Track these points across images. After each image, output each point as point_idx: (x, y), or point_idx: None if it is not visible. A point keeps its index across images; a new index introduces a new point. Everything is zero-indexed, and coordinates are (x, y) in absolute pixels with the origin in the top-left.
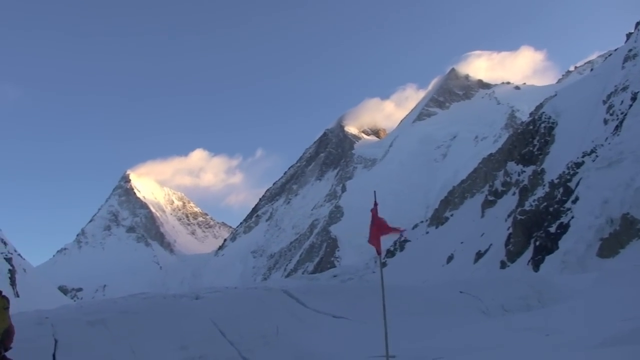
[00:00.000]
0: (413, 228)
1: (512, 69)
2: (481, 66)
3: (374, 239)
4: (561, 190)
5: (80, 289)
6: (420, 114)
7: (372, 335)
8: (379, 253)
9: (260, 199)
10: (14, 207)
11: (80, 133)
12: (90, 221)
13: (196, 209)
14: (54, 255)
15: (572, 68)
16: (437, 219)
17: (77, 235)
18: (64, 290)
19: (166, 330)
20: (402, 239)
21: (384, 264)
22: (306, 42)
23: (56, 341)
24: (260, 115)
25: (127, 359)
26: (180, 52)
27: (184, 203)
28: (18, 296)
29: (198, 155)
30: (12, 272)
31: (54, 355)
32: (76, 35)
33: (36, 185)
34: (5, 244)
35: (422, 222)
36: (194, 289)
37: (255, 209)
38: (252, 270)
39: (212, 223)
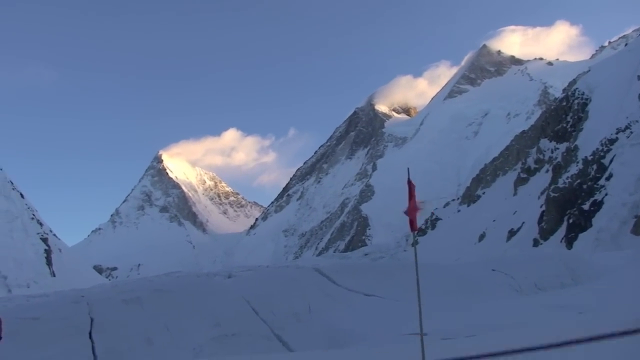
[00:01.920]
0: (444, 206)
1: (546, 44)
2: (515, 42)
3: (411, 213)
4: (595, 167)
5: (115, 268)
6: (452, 91)
7: (404, 313)
8: (414, 230)
9: (290, 178)
10: (49, 188)
11: (114, 113)
12: (124, 201)
13: (228, 189)
14: (88, 235)
15: (606, 43)
16: (469, 197)
17: (111, 215)
18: (99, 269)
19: (200, 308)
20: (434, 217)
21: (415, 242)
22: (338, 18)
23: (92, 319)
24: (292, 94)
25: (162, 337)
26: (214, 30)
27: (215, 183)
28: (54, 275)
29: (231, 135)
30: (48, 252)
31: (90, 333)
32: (108, 15)
33: (71, 166)
34: (41, 224)
35: (453, 200)
36: (226, 268)
37: (286, 189)
38: (284, 249)
39: (243, 202)
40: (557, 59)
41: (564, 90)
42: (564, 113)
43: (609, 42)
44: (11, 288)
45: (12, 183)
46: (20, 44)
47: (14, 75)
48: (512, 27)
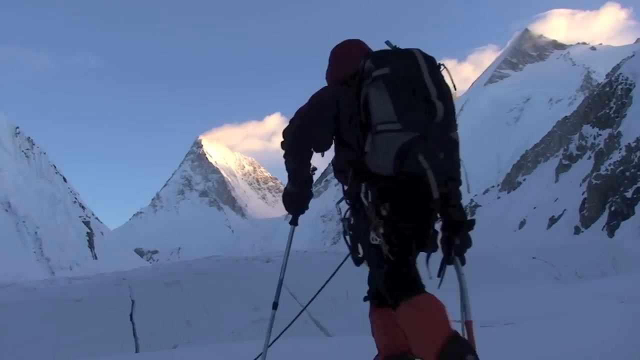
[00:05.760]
0: (484, 193)
1: (593, 28)
2: (562, 25)
3: None
4: (638, 154)
5: (155, 252)
6: (493, 76)
7: (442, 300)
8: None
9: (328, 164)
10: (92, 172)
11: (157, 99)
12: (165, 186)
13: (266, 174)
14: (130, 219)
15: None
16: (509, 183)
17: (152, 199)
18: (140, 252)
19: (239, 292)
20: (473, 204)
21: None
22: (381, 1)
23: (133, 302)
24: None
25: (201, 319)
26: (260, 16)
27: (254, 168)
28: (96, 258)
29: (274, 120)
30: (90, 235)
31: (131, 315)
32: (150, 3)
33: (112, 150)
34: (83, 208)
35: (493, 186)
36: (265, 253)
37: (324, 174)
38: (322, 234)
39: (282, 187)
40: (601, 44)
41: (607, 75)
42: (607, 99)
43: None
44: (54, 270)
45: (55, 167)
46: (69, 32)
47: (61, 62)
48: (561, 10)
